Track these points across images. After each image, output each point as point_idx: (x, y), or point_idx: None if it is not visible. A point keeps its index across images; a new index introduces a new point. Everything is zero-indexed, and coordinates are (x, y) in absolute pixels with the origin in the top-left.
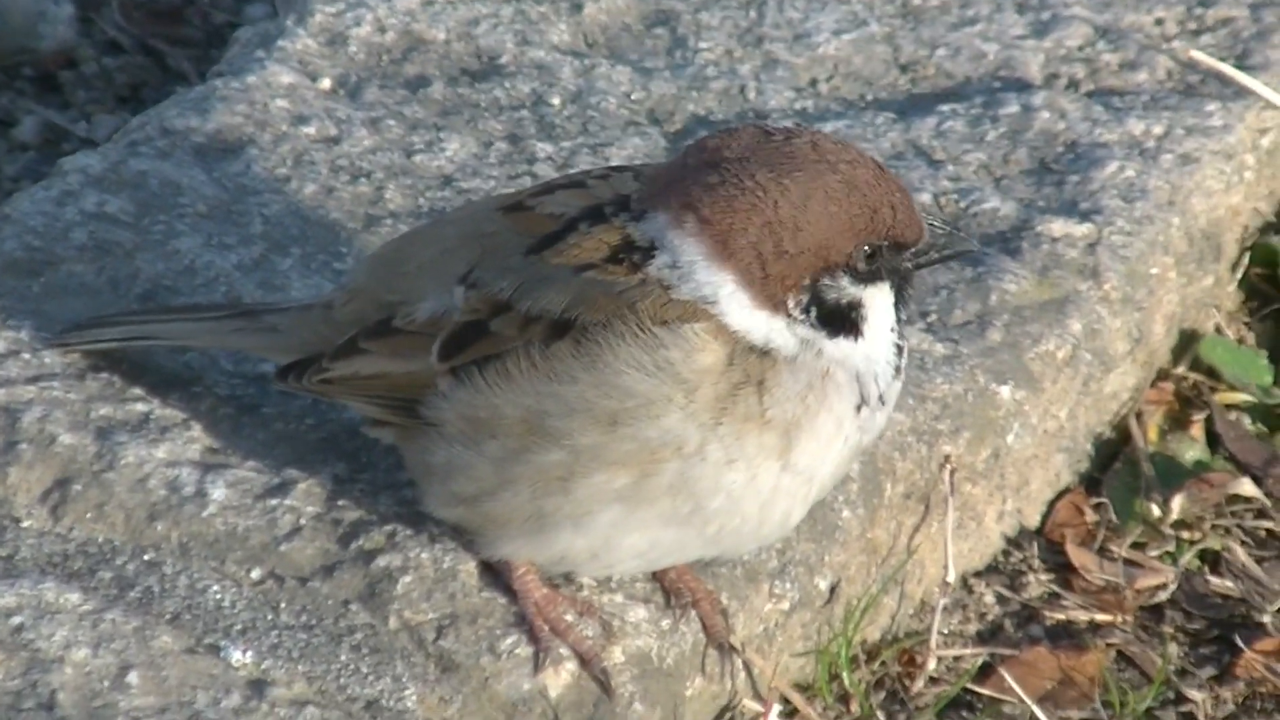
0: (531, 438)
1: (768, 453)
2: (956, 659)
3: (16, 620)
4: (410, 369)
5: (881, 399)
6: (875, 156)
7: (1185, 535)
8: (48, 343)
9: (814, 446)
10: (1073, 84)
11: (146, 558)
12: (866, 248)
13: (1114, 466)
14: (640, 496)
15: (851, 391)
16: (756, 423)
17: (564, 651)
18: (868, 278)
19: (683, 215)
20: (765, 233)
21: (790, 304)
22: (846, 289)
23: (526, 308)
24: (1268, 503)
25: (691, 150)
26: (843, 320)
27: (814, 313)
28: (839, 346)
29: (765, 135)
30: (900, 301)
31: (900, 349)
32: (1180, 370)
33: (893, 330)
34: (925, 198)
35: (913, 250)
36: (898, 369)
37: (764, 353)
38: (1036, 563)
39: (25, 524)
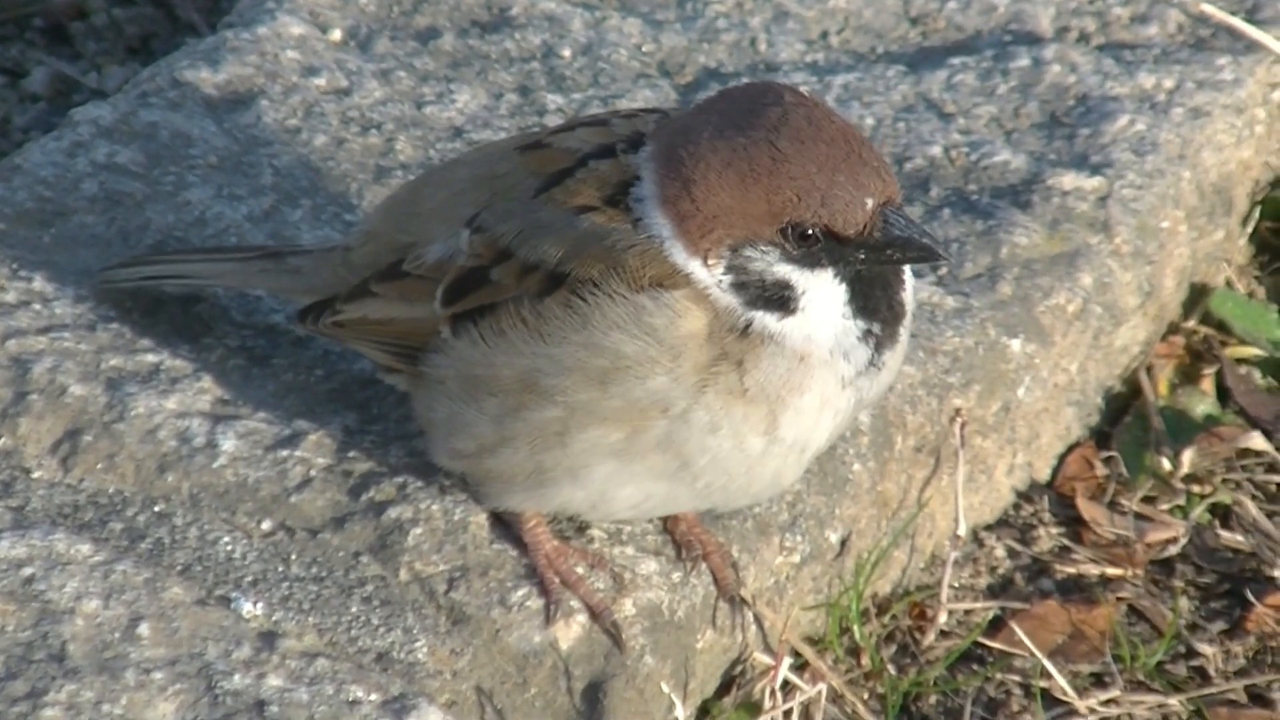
0: (528, 395)
1: (752, 425)
2: (967, 613)
3: (27, 571)
4: (415, 314)
5: (879, 366)
6: (861, 139)
7: (1196, 489)
8: (93, 282)
9: (800, 421)
10: (1084, 37)
11: (157, 509)
12: (791, 232)
13: (1124, 420)
14: (632, 452)
15: (834, 371)
16: (740, 397)
17: (575, 604)
18: (802, 260)
19: (656, 153)
20: (684, 187)
21: (711, 263)
22: (772, 266)
23: (525, 255)
24: (1278, 456)
25: (710, 97)
26: (771, 297)
27: (732, 279)
28: (772, 320)
29: (761, 93)
30: (856, 294)
31: (870, 334)
32: (1191, 324)
33: (847, 318)
34: (936, 151)
35: (859, 244)
36: (870, 362)
37: (743, 333)
38: (1047, 516)
39: (35, 475)
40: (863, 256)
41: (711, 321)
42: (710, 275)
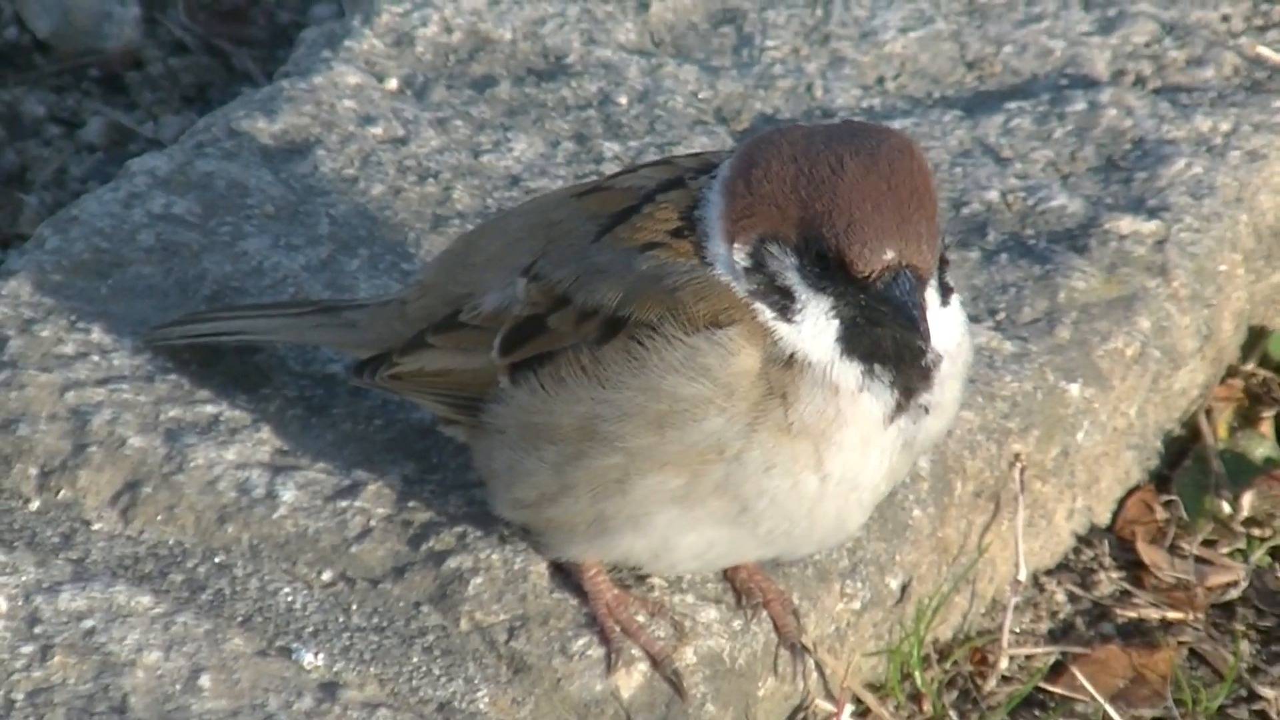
0: (587, 442)
1: (803, 462)
2: (1028, 657)
3: (88, 624)
4: (473, 365)
5: (925, 408)
6: (924, 202)
7: (1256, 532)
8: (143, 338)
9: (845, 458)
10: (1140, 81)
11: (217, 560)
12: (811, 246)
13: (1184, 464)
14: (693, 497)
15: (866, 406)
16: (786, 433)
17: (636, 652)
18: (811, 279)
19: (742, 148)
20: (748, 169)
21: (737, 246)
22: (786, 271)
23: (582, 301)
24: None
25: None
26: (774, 301)
27: (748, 264)
28: (776, 323)
29: (875, 129)
30: (854, 335)
31: (870, 373)
32: (1249, 367)
33: (842, 357)
34: (993, 195)
35: (862, 286)
36: (898, 404)
37: (786, 364)
38: (1107, 560)
39: (96, 527)
40: (862, 302)
41: (762, 356)
42: (731, 258)
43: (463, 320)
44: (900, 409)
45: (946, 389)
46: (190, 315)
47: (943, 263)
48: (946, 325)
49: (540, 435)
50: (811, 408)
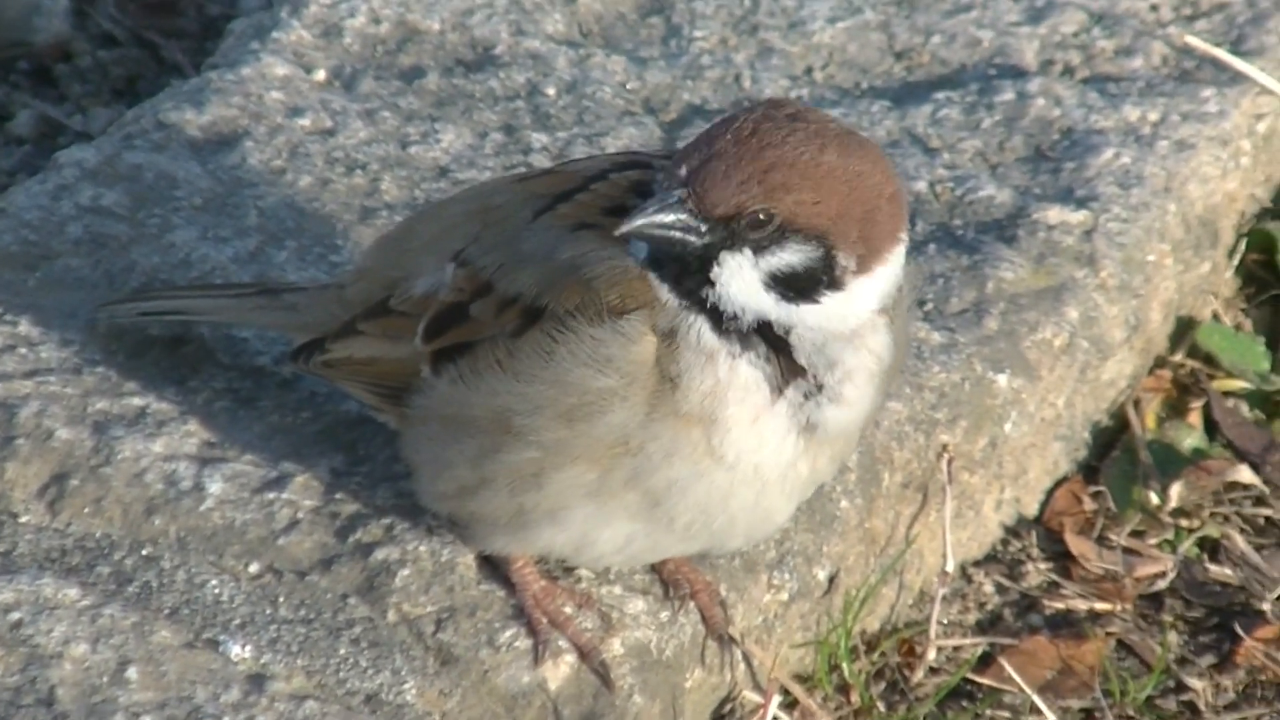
0: (503, 436)
1: (698, 450)
2: (956, 649)
3: (15, 616)
4: (398, 354)
5: (820, 386)
6: (760, 150)
7: (1184, 523)
8: (91, 314)
9: (737, 438)
10: (1068, 70)
11: (144, 552)
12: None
13: (1112, 454)
14: (606, 492)
15: (753, 374)
16: (678, 418)
17: (563, 644)
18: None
19: None
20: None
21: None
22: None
23: (504, 290)
24: (1266, 490)
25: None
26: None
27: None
28: (660, 288)
29: (818, 111)
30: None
31: (679, 295)
32: (1178, 357)
33: (655, 274)
34: (921, 185)
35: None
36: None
37: (671, 339)
38: (1035, 552)
39: (23, 519)
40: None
41: (658, 342)
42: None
43: (392, 306)
44: (784, 378)
45: (856, 382)
46: (133, 293)
47: (832, 260)
48: (783, 298)
49: (460, 428)
50: (693, 381)
